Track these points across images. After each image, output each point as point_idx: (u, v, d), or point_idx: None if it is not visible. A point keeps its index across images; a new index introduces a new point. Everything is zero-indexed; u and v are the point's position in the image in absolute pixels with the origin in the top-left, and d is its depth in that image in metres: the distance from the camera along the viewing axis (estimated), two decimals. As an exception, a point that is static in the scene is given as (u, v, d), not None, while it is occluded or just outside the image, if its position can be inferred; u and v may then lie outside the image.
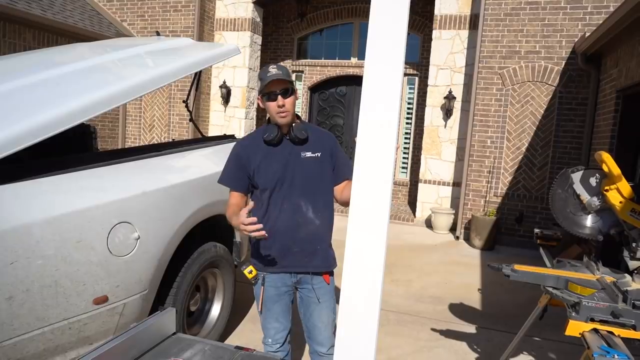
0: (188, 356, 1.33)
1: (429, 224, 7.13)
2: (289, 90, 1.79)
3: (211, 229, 2.88)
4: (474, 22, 6.76)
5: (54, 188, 1.98)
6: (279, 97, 1.76)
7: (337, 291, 1.02)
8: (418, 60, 8.30)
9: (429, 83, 7.15)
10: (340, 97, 9.09)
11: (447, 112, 6.95)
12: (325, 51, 9.10)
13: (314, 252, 1.85)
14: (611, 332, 1.65)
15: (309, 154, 1.85)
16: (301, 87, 9.12)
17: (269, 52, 9.16)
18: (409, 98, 8.49)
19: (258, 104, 1.93)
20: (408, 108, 8.50)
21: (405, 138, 8.55)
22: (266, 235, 1.64)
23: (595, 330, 1.67)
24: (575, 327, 1.70)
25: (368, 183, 0.96)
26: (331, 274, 1.93)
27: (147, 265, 2.23)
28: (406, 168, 8.61)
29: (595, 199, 2.20)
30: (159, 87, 2.65)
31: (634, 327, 1.67)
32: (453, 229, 6.84)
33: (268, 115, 1.88)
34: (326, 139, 1.93)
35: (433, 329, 3.41)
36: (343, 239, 0.93)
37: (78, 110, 2.09)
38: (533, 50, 6.25)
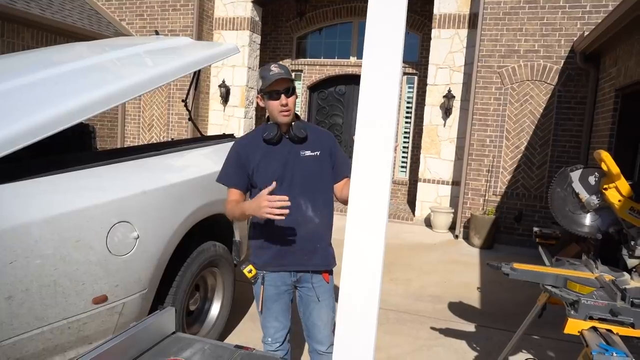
0: (187, 355, 1.33)
1: (428, 223, 7.14)
2: (290, 89, 1.80)
3: (210, 228, 2.88)
4: (473, 21, 6.76)
5: (52, 187, 1.98)
6: (282, 96, 1.77)
7: (336, 290, 1.02)
8: (417, 59, 8.30)
9: (428, 82, 7.16)
10: (339, 96, 9.09)
11: (446, 111, 6.95)
12: (324, 50, 9.10)
13: (314, 250, 1.85)
14: (610, 330, 1.66)
15: (308, 153, 1.85)
16: (300, 87, 9.11)
17: (268, 52, 9.16)
18: (408, 97, 8.49)
19: (257, 103, 1.92)
20: (407, 107, 8.50)
21: (405, 137, 8.56)
22: (287, 211, 1.60)
23: (594, 329, 1.67)
24: (574, 325, 1.70)
25: (366, 181, 0.95)
26: (331, 272, 1.93)
27: (146, 265, 2.23)
28: (405, 167, 8.61)
29: (594, 197, 2.20)
30: (157, 86, 2.65)
31: (632, 325, 1.67)
32: (452, 227, 6.84)
33: (267, 114, 1.88)
34: (325, 138, 1.93)
35: (432, 328, 3.41)
36: (342, 237, 0.93)
37: (77, 109, 2.08)
38: (532, 49, 6.25)
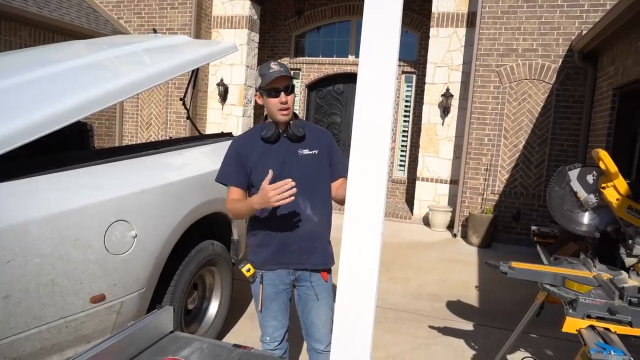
0: (186, 354, 1.33)
1: (426, 221, 7.14)
2: (289, 87, 1.79)
3: (209, 226, 2.88)
4: (471, 20, 6.76)
5: (50, 186, 1.97)
6: (282, 93, 1.76)
7: (336, 289, 1.03)
8: (415, 58, 8.30)
9: (426, 81, 7.16)
10: (337, 95, 9.09)
11: (445, 110, 6.96)
12: (323, 49, 9.09)
13: (313, 249, 1.85)
14: (608, 329, 1.66)
15: (306, 152, 1.84)
16: (299, 85, 9.10)
17: (267, 50, 9.15)
18: (407, 96, 8.49)
19: (256, 102, 1.91)
20: (406, 106, 8.50)
21: (403, 136, 8.56)
22: (294, 190, 1.59)
23: (592, 327, 1.67)
24: (572, 324, 1.70)
25: (363, 179, 0.96)
26: (329, 271, 1.93)
27: (144, 264, 2.23)
28: (404, 166, 8.61)
29: (592, 196, 2.20)
30: (155, 84, 2.64)
31: (630, 324, 1.67)
32: (450, 226, 6.85)
33: (265, 113, 1.88)
34: (323, 137, 1.93)
35: (431, 327, 3.42)
36: (340, 236, 0.93)
37: (74, 108, 2.08)
38: (530, 48, 6.26)
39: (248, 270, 1.84)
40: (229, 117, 8.29)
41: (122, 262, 2.11)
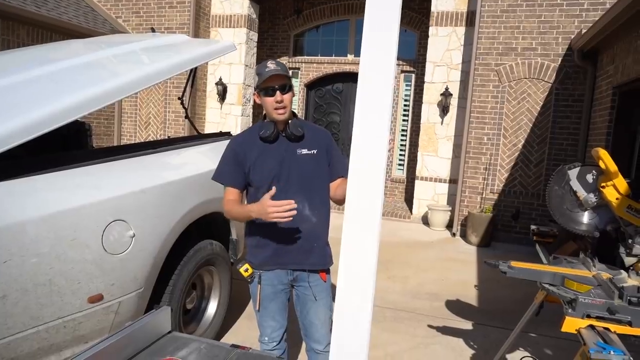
0: (183, 355, 1.32)
1: (425, 220, 7.14)
2: (286, 86, 1.78)
3: (207, 226, 2.87)
4: (470, 19, 6.76)
5: (48, 186, 1.96)
6: (277, 92, 1.75)
7: (335, 288, 1.03)
8: (415, 57, 8.29)
9: (425, 80, 7.15)
10: (336, 94, 9.08)
11: (444, 109, 6.95)
12: (322, 48, 9.08)
13: (311, 249, 1.84)
14: (607, 329, 1.65)
15: (305, 151, 1.83)
16: (297, 84, 9.09)
17: (265, 49, 9.13)
18: (406, 95, 8.48)
19: (254, 101, 1.91)
20: (405, 105, 8.49)
21: (402, 135, 8.55)
22: (294, 212, 1.60)
23: (592, 327, 1.67)
24: (571, 324, 1.70)
25: (362, 179, 0.96)
26: (328, 271, 1.92)
27: (142, 263, 2.22)
28: (403, 165, 8.61)
29: (591, 195, 2.20)
30: (154, 84, 2.63)
31: (629, 324, 1.67)
32: (449, 225, 6.85)
33: (264, 112, 1.87)
34: (322, 136, 1.92)
35: (430, 326, 3.41)
36: (340, 236, 0.93)
37: (72, 107, 2.07)
38: (529, 47, 6.25)
39: (246, 270, 1.83)
40: (228, 116, 8.27)
41: (120, 261, 2.10)
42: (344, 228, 0.94)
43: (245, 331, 3.13)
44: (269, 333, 1.93)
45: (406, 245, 5.93)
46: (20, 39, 6.30)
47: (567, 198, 2.27)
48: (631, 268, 2.00)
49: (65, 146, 3.44)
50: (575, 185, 2.24)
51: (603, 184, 2.11)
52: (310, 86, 9.17)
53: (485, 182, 6.57)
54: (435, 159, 7.16)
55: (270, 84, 1.74)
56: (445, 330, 3.35)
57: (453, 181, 7.01)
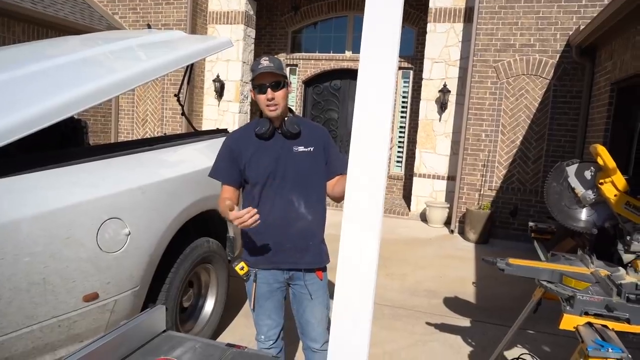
0: (178, 354, 1.31)
1: (423, 217, 7.14)
2: (280, 83, 1.75)
3: (204, 224, 2.85)
4: (468, 15, 6.73)
5: (42, 183, 1.94)
6: (269, 90, 1.73)
7: (332, 286, 1.02)
8: (412, 53, 8.27)
9: (423, 76, 7.13)
10: (334, 90, 9.05)
11: (442, 106, 6.93)
12: (320, 44, 9.04)
13: (306, 248, 1.83)
14: (605, 326, 1.65)
15: (301, 149, 1.81)
16: (295, 81, 9.06)
17: (263, 46, 9.09)
18: (404, 92, 8.46)
19: (252, 98, 1.89)
20: (402, 102, 8.47)
21: (400, 132, 8.53)
22: (258, 220, 1.58)
23: (590, 324, 1.66)
24: (569, 321, 1.69)
25: (363, 177, 0.95)
26: (324, 269, 1.91)
27: (138, 261, 2.20)
28: (401, 162, 8.59)
29: (590, 192, 2.18)
30: (150, 80, 2.61)
31: (628, 321, 1.66)
32: (448, 222, 6.85)
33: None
34: (319, 133, 1.90)
35: (428, 323, 3.41)
36: (338, 233, 0.92)
37: (68, 103, 2.05)
38: (528, 43, 6.23)
39: (242, 269, 1.81)
40: (226, 113, 8.24)
41: (116, 260, 2.09)
42: (342, 227, 0.93)
43: (243, 329, 3.12)
44: (265, 331, 1.92)
45: (404, 242, 5.93)
46: (16, 36, 6.26)
47: (565, 195, 2.26)
48: (629, 265, 1.99)
49: (61, 144, 3.42)
50: (574, 181, 2.23)
51: (601, 181, 2.10)
52: (308, 83, 9.14)
53: (484, 178, 6.56)
54: (433, 156, 7.15)
55: (262, 81, 1.72)
56: (444, 328, 3.35)
57: (451, 178, 7.00)
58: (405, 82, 8.44)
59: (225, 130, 3.40)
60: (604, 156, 2.04)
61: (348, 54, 8.78)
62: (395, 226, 6.68)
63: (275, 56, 2.02)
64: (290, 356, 2.73)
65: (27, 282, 1.79)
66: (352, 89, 8.72)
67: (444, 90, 6.84)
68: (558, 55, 6.11)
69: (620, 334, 1.63)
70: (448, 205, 6.89)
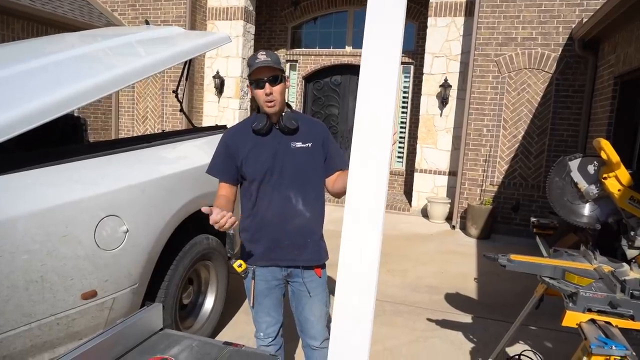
0: (175, 353, 1.29)
1: (425, 213, 7.11)
2: (278, 78, 1.72)
3: (203, 221, 2.83)
4: (469, 9, 6.68)
5: (38, 181, 1.93)
6: (267, 84, 1.70)
7: (332, 282, 1.00)
8: (413, 48, 8.22)
9: (424, 71, 7.09)
10: (335, 86, 9.01)
11: (443, 101, 6.89)
12: (320, 40, 8.99)
13: (304, 245, 1.80)
14: (609, 323, 1.62)
15: (299, 144, 1.79)
16: (295, 77, 9.02)
17: (263, 42, 9.05)
18: (405, 87, 8.41)
19: (250, 93, 1.86)
20: (403, 97, 8.43)
21: (401, 127, 8.49)
22: (234, 220, 1.54)
23: (593, 321, 1.63)
24: (572, 318, 1.67)
25: (365, 173, 0.93)
26: (323, 267, 1.88)
27: (136, 259, 2.19)
28: (402, 157, 8.56)
29: (593, 187, 2.15)
30: (148, 76, 2.59)
31: (632, 318, 1.64)
32: (449, 218, 6.82)
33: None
34: (317, 129, 1.87)
35: (429, 319, 3.39)
36: (339, 229, 0.91)
37: (66, 99, 2.03)
38: (529, 37, 6.18)
39: (240, 266, 1.79)
40: (226, 109, 8.21)
41: (114, 257, 2.07)
42: (344, 225, 0.91)
43: (243, 326, 3.11)
44: (264, 329, 1.91)
45: (405, 238, 5.91)
46: (15, 34, 6.23)
47: (567, 190, 2.23)
48: (633, 261, 1.96)
49: (61, 141, 3.41)
50: (576, 176, 2.20)
51: (605, 175, 2.07)
52: (309, 79, 9.10)
53: (485, 174, 6.53)
54: (434, 151, 7.11)
55: (260, 76, 1.69)
56: (445, 324, 3.33)
57: (452, 173, 6.97)
58: (406, 77, 8.40)
59: (224, 127, 3.37)
60: (608, 150, 2.00)
61: (348, 49, 8.73)
62: (397, 222, 6.66)
63: (275, 52, 2.00)
64: (290, 353, 2.71)
65: (25, 280, 1.78)
66: (352, 84, 8.68)
67: (445, 85, 6.79)
68: (560, 49, 6.06)
69: (624, 331, 1.61)
70: (449, 201, 6.86)
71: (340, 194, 1.80)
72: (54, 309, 1.88)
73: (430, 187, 7.16)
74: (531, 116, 6.28)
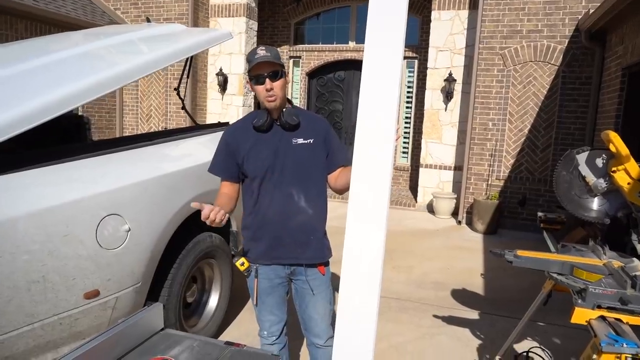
0: (175, 353, 1.27)
1: (430, 208, 7.07)
2: (278, 73, 1.70)
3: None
4: (473, 2, 6.60)
5: (39, 180, 1.91)
6: (267, 80, 1.67)
7: (337, 279, 0.98)
8: (417, 42, 8.15)
9: (428, 66, 7.02)
10: (338, 82, 8.96)
11: (448, 95, 6.83)
12: (323, 36, 8.94)
13: (307, 243, 1.77)
14: (619, 320, 1.58)
15: (300, 140, 1.76)
16: (299, 73, 8.99)
17: (266, 38, 9.01)
18: (409, 81, 8.35)
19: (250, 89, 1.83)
20: (408, 92, 8.37)
21: (406, 122, 8.44)
22: (224, 214, 1.55)
23: (603, 318, 1.60)
24: (581, 315, 1.63)
25: (368, 169, 0.92)
26: (326, 264, 1.86)
27: (139, 258, 2.18)
28: (407, 153, 8.51)
29: (601, 180, 2.11)
30: (149, 73, 2.57)
31: (642, 314, 1.60)
32: (455, 213, 6.77)
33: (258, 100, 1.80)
34: (319, 125, 1.84)
35: (435, 316, 3.36)
36: (343, 225, 0.89)
37: (68, 97, 2.02)
38: (535, 29, 6.10)
39: (242, 264, 1.77)
40: (229, 107, 8.19)
41: (116, 256, 2.06)
42: (347, 223, 0.90)
43: (248, 324, 3.09)
44: (267, 327, 1.89)
45: (411, 234, 5.87)
46: (19, 34, 6.24)
47: (575, 184, 2.19)
48: (643, 255, 1.92)
49: (64, 140, 3.40)
50: (584, 170, 2.16)
51: (614, 169, 2.02)
52: (312, 75, 9.06)
53: (491, 168, 6.47)
54: (439, 146, 7.06)
55: (260, 72, 1.66)
56: (451, 320, 3.30)
57: (458, 168, 6.91)
58: (410, 71, 8.33)
59: (226, 124, 3.35)
60: (617, 143, 1.96)
61: (352, 44, 8.67)
62: (402, 218, 6.62)
63: (278, 48, 1.96)
64: (295, 352, 2.70)
65: (26, 280, 1.77)
66: (356, 79, 8.63)
67: (450, 79, 6.73)
68: (567, 41, 5.98)
69: (635, 327, 1.57)
70: (455, 196, 6.81)
71: (342, 191, 1.77)
72: (56, 309, 1.87)
73: (435, 183, 7.12)
74: (537, 109, 6.20)
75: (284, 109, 1.75)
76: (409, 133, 8.43)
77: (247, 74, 1.72)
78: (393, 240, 5.31)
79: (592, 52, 5.83)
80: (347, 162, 1.79)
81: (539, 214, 2.42)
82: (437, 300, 3.69)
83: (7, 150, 2.26)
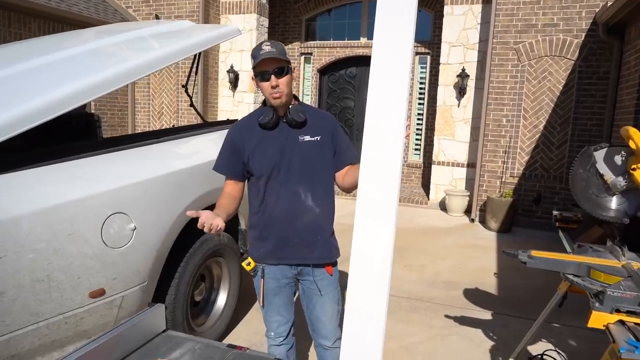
0: (176, 356, 1.25)
1: (443, 206, 6.97)
2: (284, 70, 1.65)
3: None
4: (488, -4, 6.47)
5: (44, 179, 1.91)
6: (273, 76, 1.63)
7: (345, 277, 0.95)
8: (430, 38, 8.03)
9: (441, 61, 6.91)
10: (350, 78, 8.89)
11: (461, 91, 6.72)
12: (334, 32, 8.87)
13: (314, 242, 1.73)
14: (639, 324, 1.52)
15: (307, 138, 1.71)
16: (310, 70, 8.94)
17: (277, 35, 8.97)
18: (421, 77, 8.25)
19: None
20: (420, 88, 8.26)
21: (418, 119, 8.34)
22: (220, 228, 1.55)
23: (622, 322, 1.53)
24: (598, 319, 1.56)
25: (377, 167, 0.89)
26: (334, 264, 1.81)
27: (145, 257, 2.16)
28: (419, 150, 8.41)
29: (620, 178, 2.03)
30: (156, 69, 2.56)
31: (664, 318, 1.53)
32: (468, 211, 6.67)
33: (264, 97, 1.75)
34: (326, 122, 1.79)
35: (447, 316, 3.30)
36: (352, 222, 0.86)
37: (76, 93, 2.01)
38: (551, 22, 5.95)
39: (248, 264, 1.74)
40: (240, 104, 8.18)
41: (121, 255, 2.05)
42: (355, 222, 0.88)
43: (257, 322, 3.07)
44: (275, 328, 1.85)
45: (423, 232, 5.80)
46: (32, 32, 6.30)
47: (592, 182, 2.11)
48: (665, 256, 1.84)
49: (73, 138, 3.41)
50: (602, 167, 2.08)
51: (633, 166, 1.94)
52: (323, 71, 9.00)
53: (505, 165, 6.35)
54: (452, 143, 6.95)
55: (265, 68, 1.62)
56: (463, 320, 3.24)
57: (471, 165, 6.80)
58: (422, 67, 8.22)
59: (235, 121, 3.32)
60: (637, 139, 1.88)
61: (363, 40, 8.59)
62: (414, 215, 6.55)
63: (289, 45, 1.92)
64: (303, 353, 2.66)
65: (31, 279, 1.76)
66: (367, 76, 8.41)
67: (463, 75, 6.61)
68: (583, 35, 5.82)
69: (656, 333, 1.50)
70: (468, 194, 6.70)
71: (350, 189, 1.73)
72: (61, 308, 1.86)
73: (448, 180, 7.02)
74: (553, 105, 6.06)
75: (290, 106, 1.71)
76: (421, 130, 8.33)
77: (252, 69, 1.68)
78: (404, 238, 5.25)
79: (610, 46, 5.67)
80: (355, 160, 1.74)
81: (555, 212, 2.34)
82: (449, 299, 3.62)
83: (15, 148, 2.26)
